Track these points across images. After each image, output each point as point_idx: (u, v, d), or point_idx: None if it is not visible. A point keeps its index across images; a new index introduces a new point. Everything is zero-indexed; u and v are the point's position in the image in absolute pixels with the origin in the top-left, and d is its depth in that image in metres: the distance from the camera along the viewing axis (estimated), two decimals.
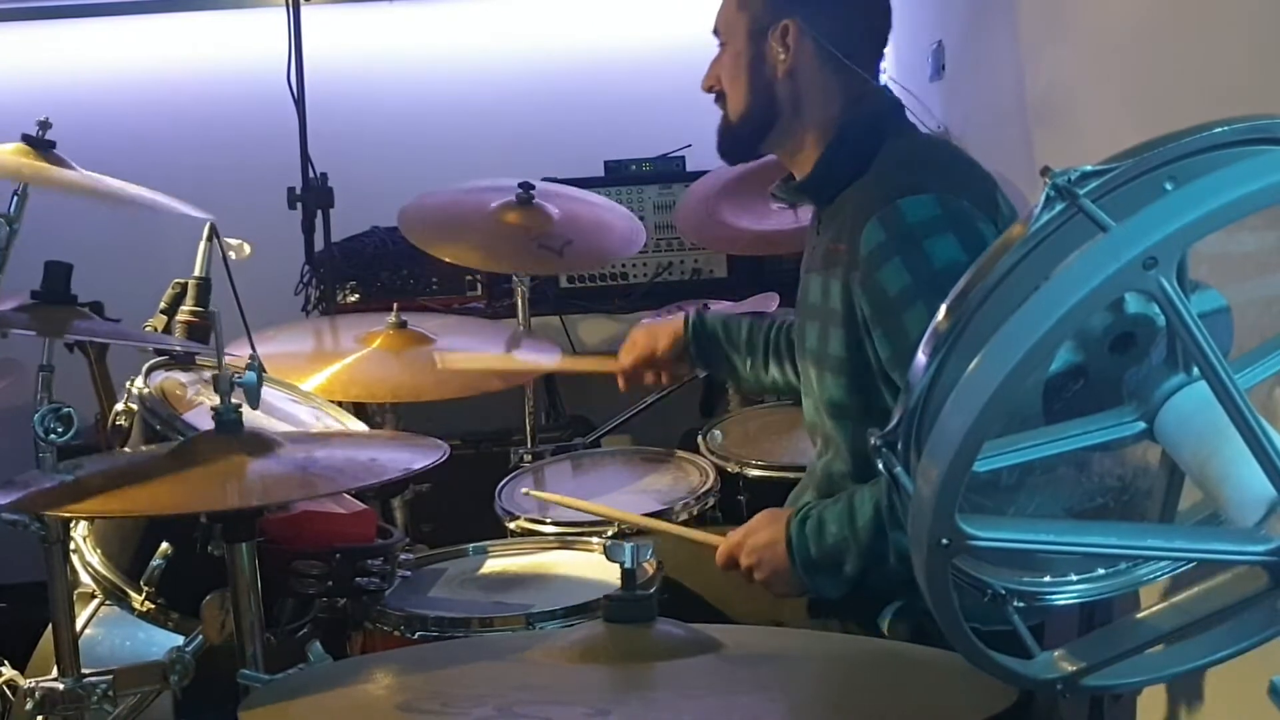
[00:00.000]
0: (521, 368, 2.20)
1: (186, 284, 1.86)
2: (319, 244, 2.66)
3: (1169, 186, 0.75)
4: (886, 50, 1.73)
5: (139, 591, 1.54)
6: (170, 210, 1.72)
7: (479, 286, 2.92)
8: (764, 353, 1.91)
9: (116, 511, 1.27)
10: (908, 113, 1.73)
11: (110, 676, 1.55)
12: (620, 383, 2.02)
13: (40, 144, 1.66)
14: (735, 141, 1.73)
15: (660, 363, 1.96)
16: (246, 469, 1.31)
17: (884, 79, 1.84)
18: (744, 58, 1.66)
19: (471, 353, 2.14)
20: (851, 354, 1.55)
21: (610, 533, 1.84)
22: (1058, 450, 0.83)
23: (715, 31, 1.73)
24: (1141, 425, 0.82)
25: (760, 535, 1.59)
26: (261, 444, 1.34)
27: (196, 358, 1.78)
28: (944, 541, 0.75)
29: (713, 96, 1.74)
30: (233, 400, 1.35)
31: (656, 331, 1.96)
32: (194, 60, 3.30)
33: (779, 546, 1.56)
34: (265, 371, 1.43)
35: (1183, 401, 0.81)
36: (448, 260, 2.47)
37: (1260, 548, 0.74)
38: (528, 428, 2.46)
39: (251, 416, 1.42)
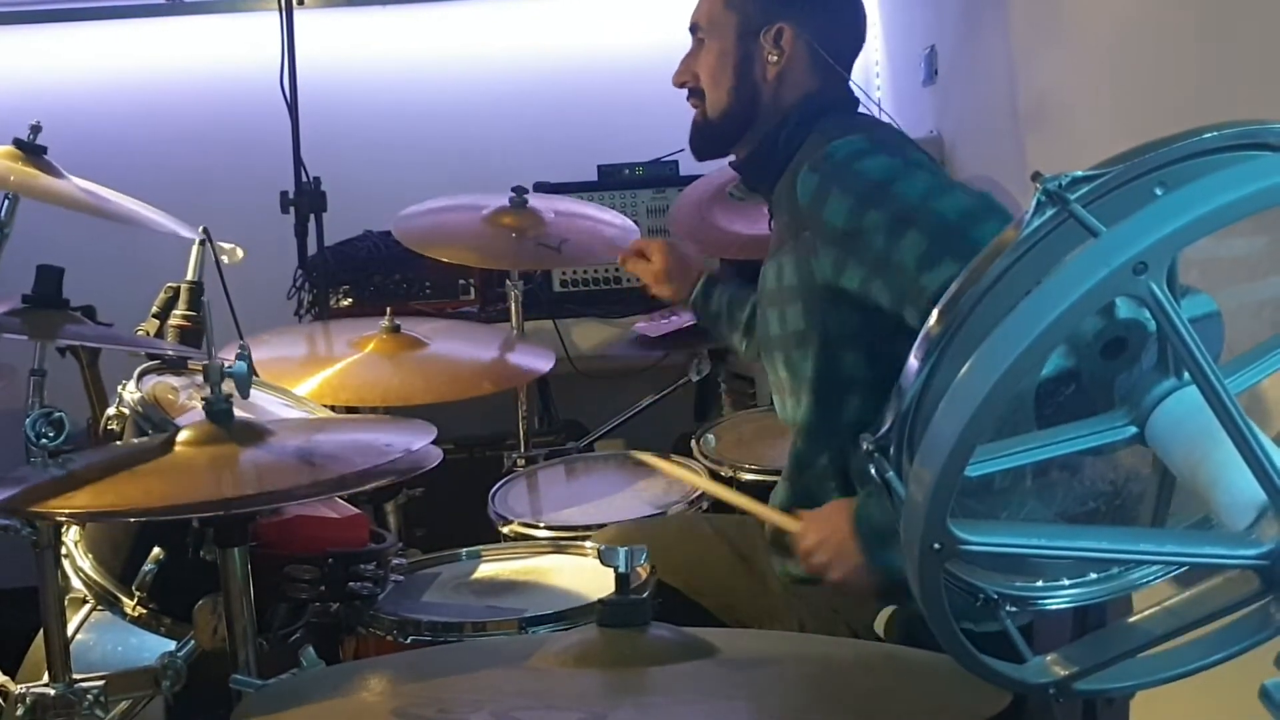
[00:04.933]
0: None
1: (179, 288, 1.86)
2: (312, 248, 2.66)
3: (1159, 192, 0.76)
4: (879, 56, 1.74)
5: (131, 597, 1.54)
6: (158, 225, 1.72)
7: (472, 290, 2.92)
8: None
9: (109, 505, 1.25)
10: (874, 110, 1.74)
11: (102, 682, 1.55)
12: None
13: (31, 149, 1.66)
14: (711, 139, 1.72)
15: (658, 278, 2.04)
16: (239, 458, 1.30)
17: (875, 84, 1.85)
18: (731, 57, 1.66)
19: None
20: (810, 323, 1.55)
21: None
22: (1050, 455, 0.83)
23: (694, 26, 1.71)
24: (1133, 430, 0.83)
25: (823, 517, 1.51)
26: (253, 433, 1.34)
27: (189, 362, 1.78)
28: (936, 546, 0.75)
29: (685, 92, 1.72)
30: (223, 391, 1.34)
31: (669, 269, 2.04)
32: (187, 64, 3.30)
33: (841, 522, 1.46)
34: (257, 375, 1.42)
35: (1174, 406, 0.81)
36: (445, 260, 2.47)
37: (1251, 551, 0.74)
38: (521, 432, 2.46)
39: (244, 418, 1.41)
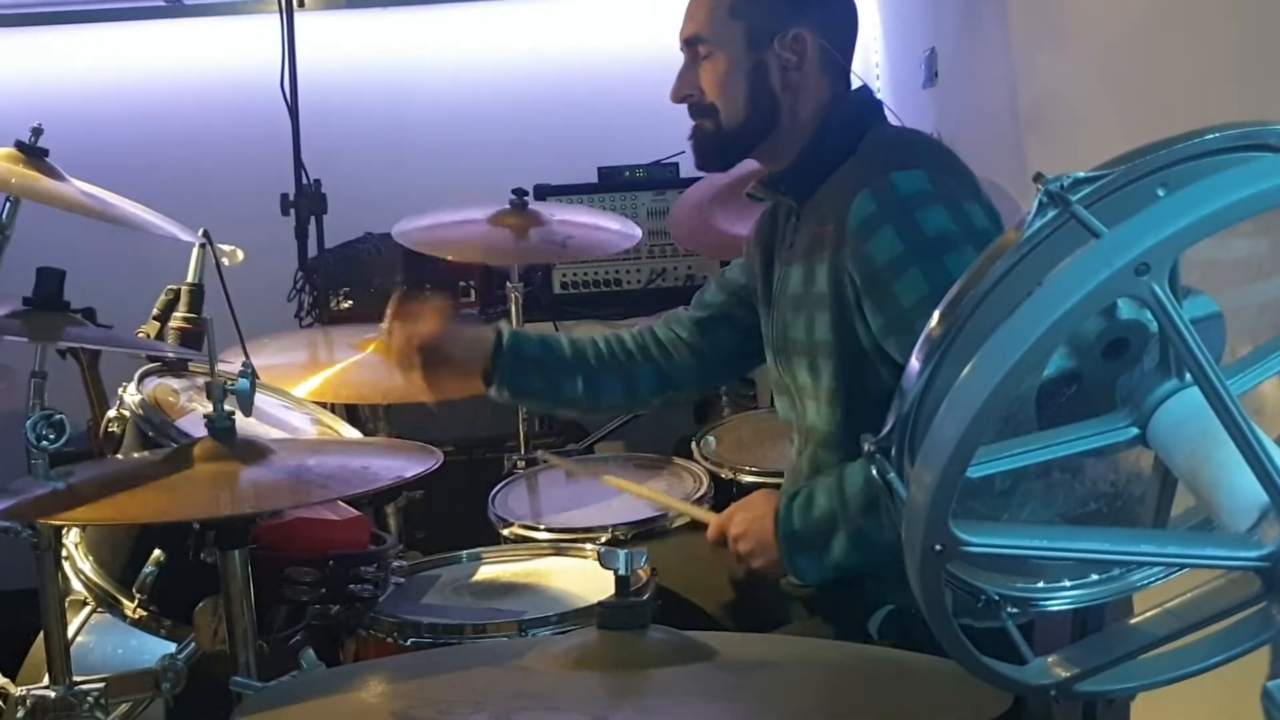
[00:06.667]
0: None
1: (179, 290, 1.86)
2: (312, 250, 2.67)
3: (1161, 193, 0.76)
4: (880, 59, 1.73)
5: (131, 599, 1.54)
6: (159, 228, 1.72)
7: (472, 293, 2.93)
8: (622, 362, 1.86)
9: (108, 519, 1.27)
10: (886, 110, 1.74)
11: (102, 684, 1.55)
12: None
13: (33, 151, 1.66)
14: (727, 149, 1.70)
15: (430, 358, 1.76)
16: (239, 477, 1.30)
17: (875, 86, 1.85)
18: (743, 66, 1.64)
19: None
20: (838, 336, 1.54)
21: (604, 539, 1.84)
22: (1051, 456, 0.83)
23: (692, 40, 1.69)
24: (1134, 431, 0.82)
25: (752, 509, 1.61)
26: (254, 451, 1.34)
27: (189, 364, 1.78)
28: (937, 547, 0.75)
29: (687, 107, 1.70)
30: (225, 408, 1.34)
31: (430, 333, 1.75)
32: (188, 67, 3.30)
33: (767, 520, 1.56)
34: (258, 378, 1.42)
35: (1175, 407, 0.81)
36: (450, 258, 2.46)
37: (1252, 553, 0.74)
38: (521, 434, 2.46)
39: (244, 423, 1.41)
